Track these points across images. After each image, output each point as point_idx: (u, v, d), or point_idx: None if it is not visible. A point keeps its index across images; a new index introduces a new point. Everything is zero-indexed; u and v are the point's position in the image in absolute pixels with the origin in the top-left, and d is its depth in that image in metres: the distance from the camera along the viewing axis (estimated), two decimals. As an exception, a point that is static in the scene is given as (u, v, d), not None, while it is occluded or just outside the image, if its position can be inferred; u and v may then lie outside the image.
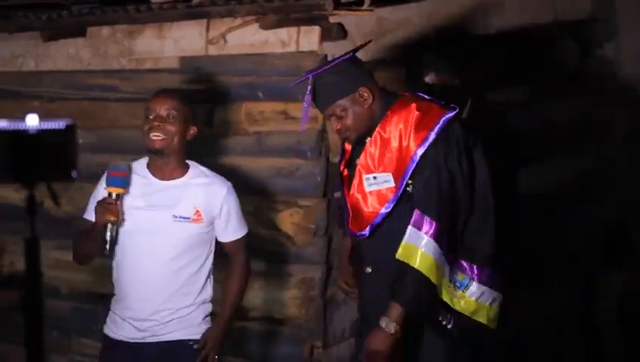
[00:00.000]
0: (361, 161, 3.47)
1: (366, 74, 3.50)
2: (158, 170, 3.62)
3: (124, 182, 3.54)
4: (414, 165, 3.36)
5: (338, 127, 3.45)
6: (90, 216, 3.59)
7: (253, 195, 4.45)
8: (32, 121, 2.17)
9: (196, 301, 3.64)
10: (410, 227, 3.32)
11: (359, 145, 3.51)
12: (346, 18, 4.26)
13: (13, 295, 4.93)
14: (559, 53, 5.43)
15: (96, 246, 3.56)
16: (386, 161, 3.41)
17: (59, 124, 2.20)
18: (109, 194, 3.50)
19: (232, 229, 3.68)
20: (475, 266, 3.44)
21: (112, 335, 3.69)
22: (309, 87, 3.41)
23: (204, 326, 3.67)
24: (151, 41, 4.71)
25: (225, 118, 4.54)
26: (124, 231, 3.58)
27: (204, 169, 3.68)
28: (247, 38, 4.43)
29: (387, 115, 3.43)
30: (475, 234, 3.43)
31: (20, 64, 5.14)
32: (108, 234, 3.50)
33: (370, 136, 3.45)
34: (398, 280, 3.33)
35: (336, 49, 4.28)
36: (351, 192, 3.51)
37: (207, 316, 3.70)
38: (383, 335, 3.32)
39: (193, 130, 3.63)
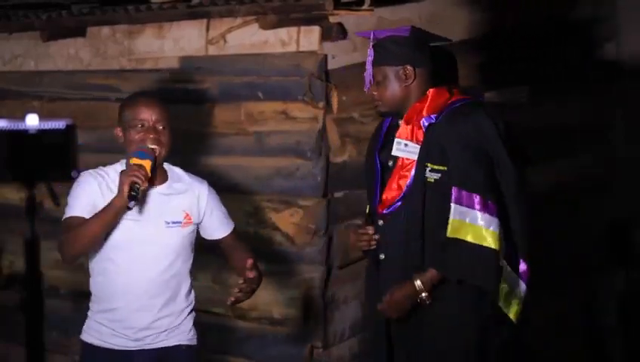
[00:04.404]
0: (399, 132, 3.50)
1: (423, 58, 3.49)
2: None
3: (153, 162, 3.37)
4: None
5: (373, 94, 3.50)
6: (82, 213, 3.43)
7: (253, 195, 4.45)
8: (32, 121, 2.18)
9: (187, 306, 3.56)
10: (452, 205, 3.32)
11: (394, 127, 3.53)
12: (346, 18, 4.26)
13: (13, 295, 4.93)
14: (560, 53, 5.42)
15: (106, 224, 3.36)
16: (416, 136, 3.46)
17: (59, 124, 2.20)
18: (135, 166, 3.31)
19: (224, 223, 3.61)
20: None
21: (97, 343, 3.54)
22: (371, 46, 3.47)
23: (193, 333, 3.60)
24: (151, 41, 4.71)
25: (225, 118, 4.53)
26: (115, 242, 3.45)
27: (178, 171, 3.59)
28: (247, 38, 4.43)
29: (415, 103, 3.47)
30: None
31: (20, 64, 5.15)
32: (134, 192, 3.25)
33: (402, 118, 3.48)
34: (446, 252, 3.33)
35: (336, 49, 4.28)
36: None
37: (194, 323, 3.62)
38: (412, 291, 3.35)
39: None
